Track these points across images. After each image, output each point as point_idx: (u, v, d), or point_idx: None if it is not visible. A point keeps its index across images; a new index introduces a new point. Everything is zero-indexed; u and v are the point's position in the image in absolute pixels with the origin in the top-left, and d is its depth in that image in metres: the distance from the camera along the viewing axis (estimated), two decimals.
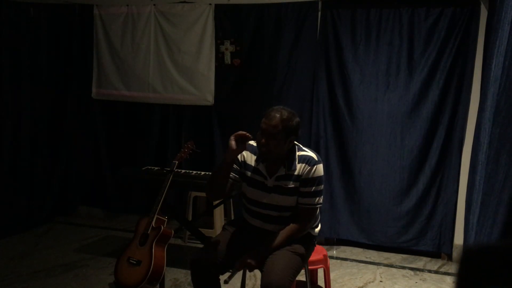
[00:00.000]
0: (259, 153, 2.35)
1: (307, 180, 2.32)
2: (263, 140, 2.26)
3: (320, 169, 2.34)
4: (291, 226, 2.36)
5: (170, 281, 3.39)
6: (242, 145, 2.30)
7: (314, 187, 2.33)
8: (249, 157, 2.43)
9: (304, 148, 2.40)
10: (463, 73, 3.78)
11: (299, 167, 2.32)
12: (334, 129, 4.12)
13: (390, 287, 3.45)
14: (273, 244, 2.32)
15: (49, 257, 3.81)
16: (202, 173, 3.75)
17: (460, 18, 3.73)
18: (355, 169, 4.09)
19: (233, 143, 2.28)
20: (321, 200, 2.38)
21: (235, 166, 2.43)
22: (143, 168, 3.90)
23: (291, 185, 2.33)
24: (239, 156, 2.44)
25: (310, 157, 2.33)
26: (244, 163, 2.44)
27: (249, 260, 2.27)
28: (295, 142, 2.40)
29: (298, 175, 2.32)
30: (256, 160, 2.39)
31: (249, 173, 2.42)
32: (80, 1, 4.64)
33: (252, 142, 2.45)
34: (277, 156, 2.32)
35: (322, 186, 2.37)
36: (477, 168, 2.97)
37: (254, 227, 2.47)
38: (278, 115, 2.25)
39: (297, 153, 2.35)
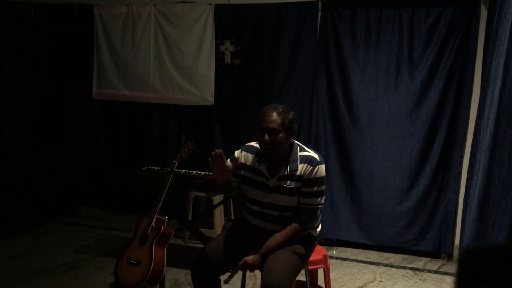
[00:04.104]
0: (263, 153, 2.35)
1: (309, 181, 2.32)
2: (266, 137, 2.27)
3: (322, 169, 2.34)
4: (292, 227, 2.36)
5: (170, 281, 3.39)
6: (222, 164, 2.27)
7: (316, 188, 2.33)
8: (250, 158, 2.43)
9: (306, 148, 2.41)
10: (463, 73, 3.78)
11: (301, 167, 2.32)
12: (334, 129, 4.12)
13: (390, 287, 3.45)
14: (274, 244, 2.32)
15: (49, 257, 3.81)
16: (202, 173, 3.75)
17: (460, 18, 3.73)
18: (355, 169, 4.09)
19: (215, 171, 2.28)
20: (322, 201, 2.38)
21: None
22: (143, 168, 3.90)
23: (293, 185, 2.33)
24: (237, 155, 2.45)
25: (312, 158, 2.34)
26: (244, 164, 2.44)
27: (249, 261, 2.27)
28: (297, 142, 2.41)
29: (300, 175, 2.32)
30: (258, 161, 2.39)
31: (250, 174, 2.42)
32: (80, 1, 4.65)
33: (253, 143, 2.46)
34: (281, 152, 2.33)
35: (324, 186, 2.37)
36: (476, 167, 2.97)
37: (255, 227, 2.47)
38: (274, 111, 2.29)
39: (299, 153, 2.36)
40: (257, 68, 4.29)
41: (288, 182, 2.33)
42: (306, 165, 2.32)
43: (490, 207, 2.62)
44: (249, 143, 2.49)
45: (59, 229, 4.51)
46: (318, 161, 2.33)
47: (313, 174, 2.31)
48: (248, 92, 4.33)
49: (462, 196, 3.86)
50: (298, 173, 2.32)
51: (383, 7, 3.88)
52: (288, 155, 2.35)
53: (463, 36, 3.74)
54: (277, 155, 2.33)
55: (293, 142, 2.39)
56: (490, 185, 2.63)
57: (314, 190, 2.33)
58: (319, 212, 2.45)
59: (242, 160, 2.44)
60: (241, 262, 2.29)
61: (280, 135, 2.27)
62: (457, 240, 3.92)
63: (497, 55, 2.77)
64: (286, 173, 2.33)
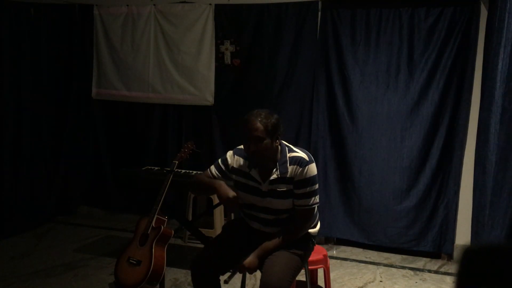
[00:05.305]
0: (252, 161, 2.34)
1: (301, 182, 2.29)
2: (252, 147, 2.25)
3: (312, 168, 2.31)
4: (290, 228, 2.35)
5: (170, 281, 3.39)
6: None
7: (308, 188, 2.30)
8: (242, 163, 2.41)
9: (294, 148, 2.37)
10: (463, 73, 3.78)
11: (291, 169, 2.30)
12: (334, 129, 4.12)
13: (390, 287, 3.45)
14: (271, 246, 2.31)
15: (49, 257, 3.81)
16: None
17: (460, 18, 3.73)
18: (355, 169, 4.08)
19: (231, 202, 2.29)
20: (317, 200, 2.36)
21: (223, 167, 2.44)
22: (143, 168, 3.90)
23: (284, 188, 2.31)
24: (230, 160, 2.43)
25: (301, 158, 2.31)
26: (236, 170, 2.41)
27: (246, 264, 2.27)
28: (286, 143, 2.39)
29: (290, 178, 2.30)
30: (249, 166, 2.37)
31: (243, 179, 2.40)
32: (80, 1, 4.64)
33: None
34: (269, 159, 2.31)
35: (317, 185, 2.34)
36: (488, 168, 2.95)
37: (254, 229, 2.47)
38: (256, 118, 2.25)
39: (288, 155, 2.33)
40: (257, 68, 4.28)
41: (280, 185, 2.31)
42: (295, 166, 2.29)
43: (501, 208, 2.62)
44: (241, 146, 2.42)
45: (59, 229, 4.51)
46: (307, 161, 2.30)
47: (303, 175, 2.28)
48: (248, 92, 4.33)
49: (462, 196, 3.87)
50: (288, 175, 2.30)
51: (383, 7, 3.88)
52: (277, 158, 2.32)
53: (463, 36, 3.74)
54: (265, 161, 2.31)
55: (281, 143, 2.36)
56: (500, 186, 2.63)
57: (307, 191, 2.30)
58: (316, 211, 2.43)
59: (234, 165, 2.42)
60: (239, 265, 2.29)
61: (265, 141, 2.23)
62: (457, 240, 3.92)
63: (504, 55, 2.76)
64: (276, 176, 2.31)
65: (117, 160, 4.72)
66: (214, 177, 2.44)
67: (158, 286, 3.03)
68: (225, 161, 2.44)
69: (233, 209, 2.34)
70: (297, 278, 2.45)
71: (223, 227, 2.64)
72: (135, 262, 2.94)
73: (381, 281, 3.54)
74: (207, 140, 4.46)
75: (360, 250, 4.15)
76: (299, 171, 2.28)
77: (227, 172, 2.43)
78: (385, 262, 3.92)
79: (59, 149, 4.76)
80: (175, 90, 4.46)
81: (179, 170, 3.69)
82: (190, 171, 3.79)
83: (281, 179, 2.31)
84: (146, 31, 4.47)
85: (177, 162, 3.28)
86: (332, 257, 3.93)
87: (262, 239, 2.35)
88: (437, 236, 3.95)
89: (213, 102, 4.39)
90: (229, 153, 2.46)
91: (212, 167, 2.47)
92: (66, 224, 4.63)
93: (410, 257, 4.00)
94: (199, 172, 3.74)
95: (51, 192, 4.72)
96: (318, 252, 2.89)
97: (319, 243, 3.30)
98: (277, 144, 2.31)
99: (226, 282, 2.33)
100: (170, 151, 4.54)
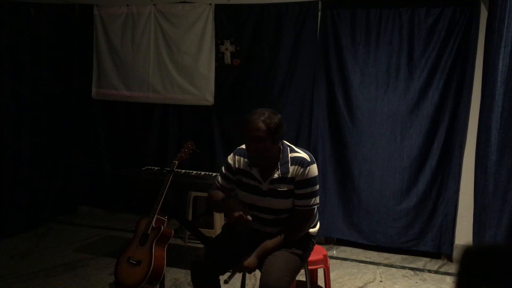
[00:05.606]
0: (251, 160, 2.34)
1: (302, 182, 2.29)
2: (251, 147, 2.25)
3: (313, 169, 2.31)
4: (289, 228, 2.35)
5: (170, 281, 3.39)
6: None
7: (309, 188, 2.30)
8: (243, 162, 2.41)
9: (296, 149, 2.38)
10: (463, 73, 3.78)
11: (292, 169, 2.30)
12: (334, 129, 4.12)
13: (390, 287, 3.45)
14: (270, 245, 2.31)
15: (49, 257, 3.81)
16: (202, 173, 3.75)
17: (460, 18, 3.73)
18: (355, 169, 4.08)
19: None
20: (317, 200, 2.36)
21: (228, 174, 2.44)
22: (143, 168, 3.90)
23: (285, 188, 2.31)
24: (232, 162, 2.43)
25: (303, 158, 2.31)
26: (238, 170, 2.42)
27: (246, 264, 2.27)
28: (287, 143, 2.39)
29: (291, 178, 2.30)
30: (249, 165, 2.37)
31: (244, 179, 2.40)
32: (80, 1, 4.65)
33: (244, 146, 2.44)
34: (270, 158, 2.30)
35: (317, 186, 2.35)
36: (489, 168, 2.95)
37: (253, 229, 2.47)
38: (257, 118, 2.24)
39: (290, 155, 2.33)
40: (257, 68, 4.28)
41: (281, 185, 2.31)
42: (297, 166, 2.29)
43: (496, 207, 2.62)
44: (241, 146, 2.43)
45: (59, 229, 4.51)
46: (308, 162, 2.30)
47: (305, 175, 2.28)
48: (248, 92, 4.33)
49: (462, 196, 3.86)
50: (289, 175, 2.30)
51: (383, 7, 3.88)
52: (279, 157, 2.32)
53: (463, 36, 3.74)
54: (265, 161, 2.31)
55: (282, 143, 2.36)
56: (496, 185, 2.63)
57: (307, 191, 2.30)
58: (315, 211, 2.43)
59: (236, 165, 2.42)
60: (239, 265, 2.29)
61: (266, 142, 2.23)
62: (457, 240, 3.92)
63: (504, 55, 2.76)
64: (277, 176, 2.31)
65: (117, 160, 4.73)
66: (222, 187, 2.46)
67: (158, 286, 3.03)
68: (227, 166, 2.44)
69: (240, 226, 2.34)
70: (297, 278, 2.45)
71: (223, 227, 2.64)
72: (135, 262, 2.94)
73: (381, 281, 3.54)
74: (207, 140, 4.46)
75: (360, 250, 4.15)
76: (300, 171, 2.28)
77: (232, 176, 2.44)
78: (385, 262, 3.92)
79: (59, 149, 4.76)
80: (175, 90, 4.46)
81: (179, 170, 3.69)
82: (190, 171, 3.79)
83: (282, 179, 2.31)
84: (146, 31, 4.47)
85: (177, 162, 3.28)
86: (332, 257, 3.93)
87: (262, 239, 2.35)
88: (437, 236, 3.95)
89: (213, 102, 4.39)
90: (230, 156, 2.47)
91: (218, 177, 2.49)
92: (66, 224, 4.63)
93: (410, 257, 4.00)
94: (201, 173, 3.75)
95: (51, 192, 4.72)
96: (318, 252, 2.89)
97: (319, 243, 3.29)
98: (278, 145, 2.31)
99: (226, 282, 2.33)
100: (170, 151, 4.54)
